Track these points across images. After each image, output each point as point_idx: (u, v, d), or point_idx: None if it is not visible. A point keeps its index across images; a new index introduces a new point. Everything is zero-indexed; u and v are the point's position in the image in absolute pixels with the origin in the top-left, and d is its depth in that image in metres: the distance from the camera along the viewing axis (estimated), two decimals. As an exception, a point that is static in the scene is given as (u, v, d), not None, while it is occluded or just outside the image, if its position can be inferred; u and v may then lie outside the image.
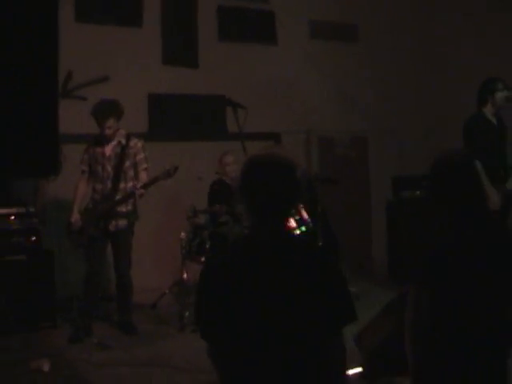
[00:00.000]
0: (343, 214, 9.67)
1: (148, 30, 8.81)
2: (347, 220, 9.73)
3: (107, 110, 6.38)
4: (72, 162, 6.85)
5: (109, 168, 6.48)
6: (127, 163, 6.51)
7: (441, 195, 3.11)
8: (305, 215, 7.45)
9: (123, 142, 6.51)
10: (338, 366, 2.49)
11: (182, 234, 7.11)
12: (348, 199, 9.89)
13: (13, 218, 6.86)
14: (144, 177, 6.52)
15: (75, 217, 6.48)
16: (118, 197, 6.45)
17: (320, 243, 7.78)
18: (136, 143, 6.59)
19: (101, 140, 6.52)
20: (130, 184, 6.49)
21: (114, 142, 6.52)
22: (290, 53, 9.70)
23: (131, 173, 6.54)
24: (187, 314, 6.65)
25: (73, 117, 7.21)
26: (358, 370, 4.58)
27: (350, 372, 4.37)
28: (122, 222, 6.50)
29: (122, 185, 6.47)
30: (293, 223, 7.21)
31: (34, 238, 6.83)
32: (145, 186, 6.40)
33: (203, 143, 8.75)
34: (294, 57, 9.71)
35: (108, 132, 6.41)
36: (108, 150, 6.51)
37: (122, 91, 7.83)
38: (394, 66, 10.43)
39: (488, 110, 6.54)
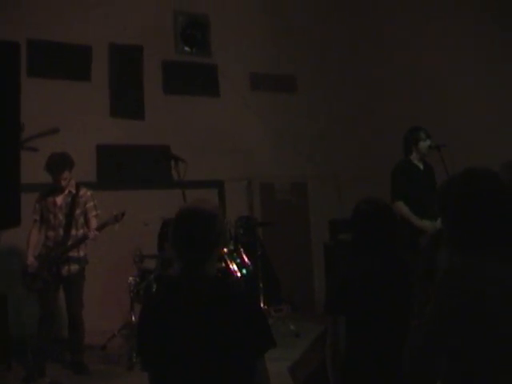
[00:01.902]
0: (286, 257, 10.09)
1: (96, 84, 9.23)
2: (289, 262, 10.14)
3: (61, 163, 6.73)
4: (23, 210, 7.13)
5: (60, 216, 6.82)
6: (77, 211, 6.87)
7: (355, 238, 3.60)
8: (245, 259, 7.87)
9: (73, 191, 6.88)
10: None
11: (130, 278, 7.45)
12: (290, 242, 10.31)
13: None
14: (94, 223, 6.90)
15: (31, 259, 6.71)
16: (70, 243, 6.76)
17: (260, 284, 8.20)
18: (85, 192, 6.98)
19: (52, 190, 6.87)
20: (81, 231, 6.85)
21: (65, 192, 6.87)
22: (231, 104, 10.17)
23: (81, 220, 6.92)
24: (135, 354, 6.80)
25: (24, 167, 7.49)
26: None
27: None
28: (74, 267, 6.81)
29: (73, 232, 6.82)
30: (234, 267, 7.62)
31: (-13, 284, 7.02)
32: (97, 230, 6.77)
33: (149, 191, 9.11)
34: (235, 107, 10.17)
35: (64, 183, 6.78)
36: (59, 199, 6.85)
37: (71, 142, 8.13)
38: (331, 114, 10.94)
39: (414, 157, 7.02)
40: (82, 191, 6.96)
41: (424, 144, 6.94)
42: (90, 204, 6.96)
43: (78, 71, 9.09)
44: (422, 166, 7.05)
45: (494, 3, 8.76)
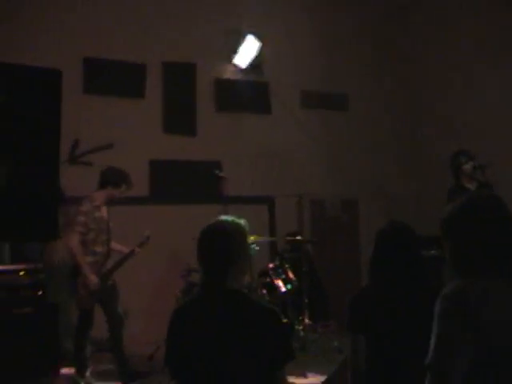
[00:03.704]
0: (335, 273, 10.17)
1: (150, 101, 9.49)
2: (339, 278, 10.20)
3: (122, 176, 6.88)
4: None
5: (107, 231, 6.88)
6: (111, 225, 6.97)
7: (374, 257, 3.69)
8: (290, 274, 7.98)
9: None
10: None
11: (177, 291, 7.63)
12: (339, 259, 10.40)
13: (22, 273, 7.13)
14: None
15: (93, 277, 6.57)
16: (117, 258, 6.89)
17: (306, 300, 8.28)
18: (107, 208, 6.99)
19: (98, 205, 6.79)
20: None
21: (105, 207, 6.88)
22: (282, 121, 10.31)
23: None
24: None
25: (79, 181, 7.78)
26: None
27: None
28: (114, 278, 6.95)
29: (111, 245, 6.95)
30: (279, 282, 7.74)
31: (40, 293, 7.10)
32: (139, 247, 6.95)
33: (200, 206, 9.10)
34: (286, 125, 10.31)
35: (120, 195, 6.89)
36: (105, 214, 6.86)
37: (124, 158, 8.36)
38: (382, 131, 11.04)
39: (464, 181, 7.08)
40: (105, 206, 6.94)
41: (467, 166, 7.00)
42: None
43: (132, 89, 9.38)
44: (473, 187, 7.05)
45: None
